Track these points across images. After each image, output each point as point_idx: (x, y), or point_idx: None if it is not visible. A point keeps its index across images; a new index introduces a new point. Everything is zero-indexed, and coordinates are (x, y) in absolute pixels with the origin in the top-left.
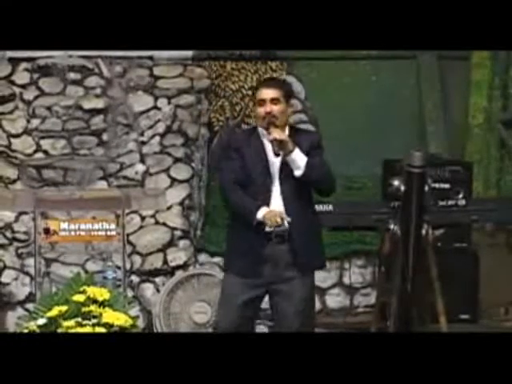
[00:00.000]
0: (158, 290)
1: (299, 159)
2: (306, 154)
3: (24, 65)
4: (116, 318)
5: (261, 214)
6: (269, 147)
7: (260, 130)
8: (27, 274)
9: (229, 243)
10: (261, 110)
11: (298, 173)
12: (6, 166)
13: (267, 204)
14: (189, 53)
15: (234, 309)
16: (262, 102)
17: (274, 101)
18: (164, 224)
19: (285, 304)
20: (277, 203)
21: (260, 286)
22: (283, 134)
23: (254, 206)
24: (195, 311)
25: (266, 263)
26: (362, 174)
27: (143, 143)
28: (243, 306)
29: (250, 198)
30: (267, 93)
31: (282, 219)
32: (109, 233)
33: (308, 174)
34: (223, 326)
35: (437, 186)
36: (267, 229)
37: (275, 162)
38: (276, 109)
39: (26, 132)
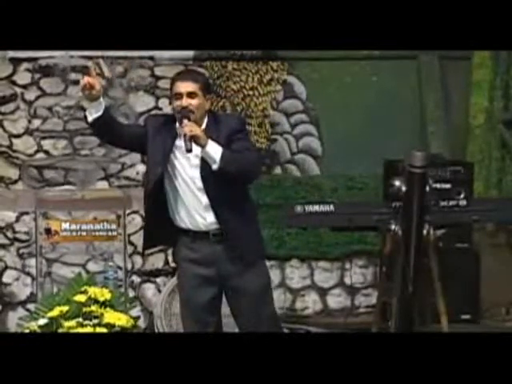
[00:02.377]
0: (159, 291)
1: (214, 152)
2: (228, 140)
3: (25, 65)
4: (117, 319)
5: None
6: (181, 142)
7: (177, 126)
8: (28, 274)
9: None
10: (177, 104)
11: (214, 167)
12: (7, 166)
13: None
14: (190, 53)
15: (194, 313)
16: (179, 96)
17: (190, 95)
18: None
19: (238, 299)
20: (202, 200)
21: (212, 286)
22: (195, 129)
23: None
24: None
25: (210, 262)
26: (364, 174)
27: None
28: (202, 309)
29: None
30: (183, 86)
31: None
32: (110, 233)
33: (224, 166)
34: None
35: (438, 186)
36: (202, 228)
37: (192, 159)
38: (193, 103)
39: (28, 132)
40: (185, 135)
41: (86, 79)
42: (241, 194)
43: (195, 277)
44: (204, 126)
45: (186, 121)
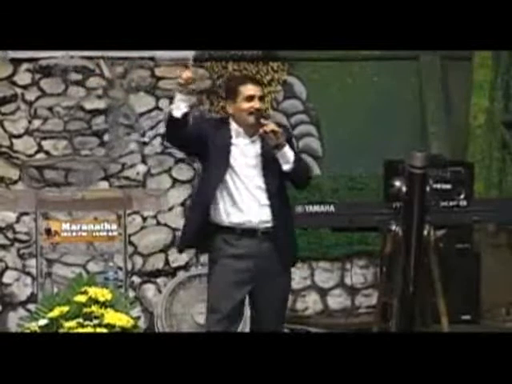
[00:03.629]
0: (159, 291)
1: (289, 153)
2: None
3: (26, 65)
4: (118, 319)
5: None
6: (239, 142)
7: (236, 128)
8: (29, 274)
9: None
10: (248, 106)
11: (287, 167)
12: (7, 166)
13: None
14: (190, 53)
15: (225, 310)
16: (251, 98)
17: (261, 98)
18: (165, 225)
19: (266, 301)
20: (260, 198)
21: (248, 284)
22: (278, 127)
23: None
24: (197, 312)
25: (251, 260)
26: (364, 175)
27: (145, 144)
28: (233, 307)
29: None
30: (256, 90)
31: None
32: (110, 233)
33: (295, 167)
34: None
35: (438, 186)
36: (253, 225)
37: (255, 159)
38: (263, 106)
39: (28, 133)
40: (266, 132)
41: (187, 72)
42: (287, 198)
43: (236, 272)
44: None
45: (263, 120)
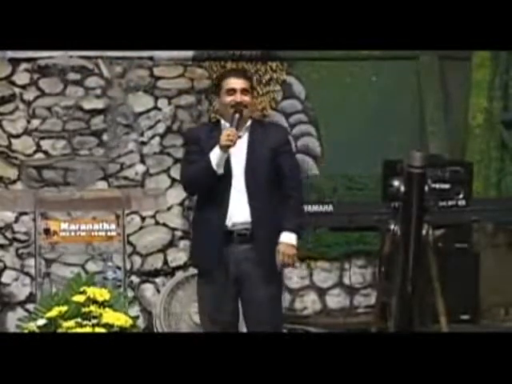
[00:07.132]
0: (158, 291)
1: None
2: (274, 152)
3: (24, 65)
4: (116, 319)
5: (214, 153)
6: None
7: (223, 123)
8: (27, 274)
9: (193, 244)
10: (229, 99)
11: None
12: (6, 166)
13: (227, 200)
14: (189, 53)
15: (221, 327)
16: (232, 92)
17: (244, 91)
18: (164, 224)
19: (253, 306)
20: (241, 198)
21: (228, 287)
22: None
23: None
24: (195, 311)
25: (229, 262)
26: (363, 175)
27: (143, 144)
28: (227, 324)
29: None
30: (237, 82)
31: (234, 136)
32: (109, 233)
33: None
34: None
35: (437, 186)
36: (235, 227)
37: (238, 157)
38: (246, 99)
39: (27, 132)
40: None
41: (233, 132)
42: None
43: (220, 280)
44: (248, 125)
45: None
